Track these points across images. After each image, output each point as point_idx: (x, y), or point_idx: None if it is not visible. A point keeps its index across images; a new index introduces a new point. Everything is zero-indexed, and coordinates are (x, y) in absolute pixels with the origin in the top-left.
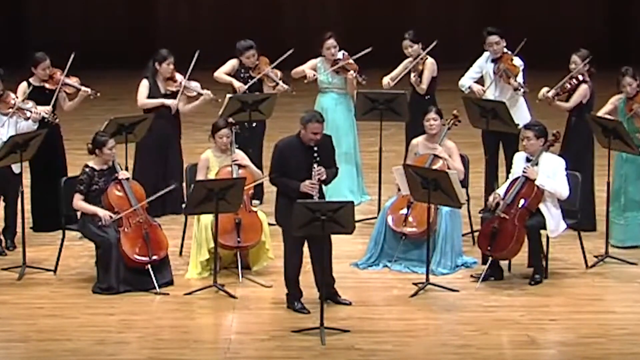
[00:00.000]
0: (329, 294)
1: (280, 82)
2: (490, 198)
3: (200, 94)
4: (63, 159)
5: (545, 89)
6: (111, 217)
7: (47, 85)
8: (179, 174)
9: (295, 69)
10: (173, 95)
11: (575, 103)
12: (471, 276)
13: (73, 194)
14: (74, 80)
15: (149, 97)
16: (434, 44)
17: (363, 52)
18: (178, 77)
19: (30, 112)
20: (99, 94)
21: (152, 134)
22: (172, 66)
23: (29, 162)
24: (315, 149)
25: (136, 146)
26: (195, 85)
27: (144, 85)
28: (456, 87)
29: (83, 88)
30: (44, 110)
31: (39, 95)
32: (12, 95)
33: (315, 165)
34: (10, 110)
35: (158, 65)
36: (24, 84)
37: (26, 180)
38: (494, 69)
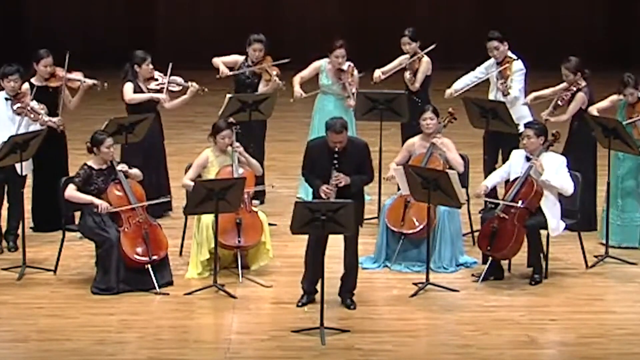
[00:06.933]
0: (347, 298)
1: (276, 78)
2: (478, 190)
3: (186, 87)
4: (66, 159)
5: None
6: (107, 207)
7: (50, 84)
8: (165, 177)
9: (297, 76)
10: (157, 92)
11: (573, 112)
12: (472, 275)
13: (66, 186)
14: (77, 74)
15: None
16: (433, 46)
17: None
18: (157, 75)
19: (39, 114)
20: (106, 84)
21: (139, 147)
22: (151, 66)
23: (33, 161)
24: (336, 155)
25: (122, 150)
26: (178, 79)
27: (129, 87)
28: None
29: (88, 80)
30: (55, 122)
31: (42, 95)
32: (28, 97)
33: (334, 171)
34: (20, 106)
35: (138, 67)
36: (25, 85)
37: (28, 180)
38: (496, 72)
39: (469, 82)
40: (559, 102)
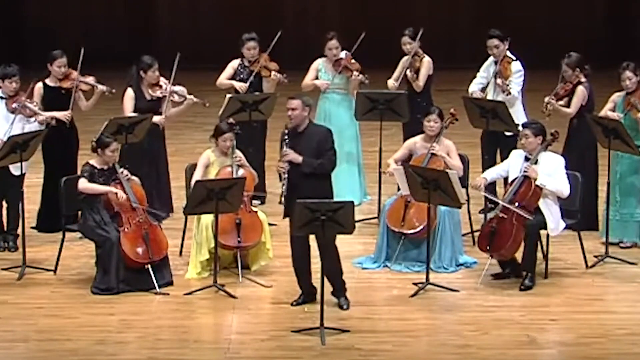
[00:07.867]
0: (340, 297)
1: (276, 73)
2: (477, 182)
3: (185, 98)
4: (76, 160)
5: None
6: (123, 196)
7: (63, 85)
8: (166, 179)
9: (303, 81)
10: (159, 100)
11: (577, 108)
12: (491, 275)
13: (77, 182)
14: (89, 79)
15: (135, 106)
16: (421, 31)
17: (358, 41)
18: (163, 82)
19: (36, 113)
20: (114, 91)
21: (140, 149)
22: (157, 72)
23: (44, 161)
24: (287, 132)
25: (122, 151)
26: (180, 89)
27: (129, 97)
28: (456, 87)
29: (99, 86)
30: (63, 114)
31: (55, 96)
32: (24, 95)
33: (284, 146)
34: (15, 105)
35: (143, 73)
36: (39, 85)
37: (37, 179)
38: (493, 71)
39: (480, 85)
40: (560, 91)
